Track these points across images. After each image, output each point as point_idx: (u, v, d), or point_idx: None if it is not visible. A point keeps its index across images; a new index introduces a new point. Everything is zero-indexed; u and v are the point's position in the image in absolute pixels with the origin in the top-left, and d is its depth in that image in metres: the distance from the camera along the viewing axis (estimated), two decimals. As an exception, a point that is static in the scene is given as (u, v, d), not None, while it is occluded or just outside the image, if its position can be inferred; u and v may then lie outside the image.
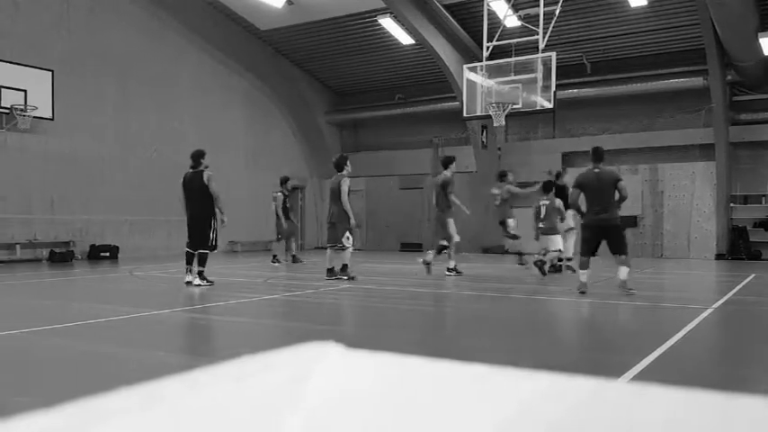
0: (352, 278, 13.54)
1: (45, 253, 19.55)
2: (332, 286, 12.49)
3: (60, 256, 19.33)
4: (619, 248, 10.86)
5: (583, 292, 10.99)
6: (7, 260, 18.58)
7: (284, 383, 0.70)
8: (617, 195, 10.80)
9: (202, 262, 12.41)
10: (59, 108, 19.64)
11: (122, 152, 21.81)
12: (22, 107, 18.48)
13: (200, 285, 12.14)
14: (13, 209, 19.02)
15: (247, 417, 0.63)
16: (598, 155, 11.06)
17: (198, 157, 12.56)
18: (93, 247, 20.63)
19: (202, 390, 0.66)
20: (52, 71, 19.39)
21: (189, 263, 12.54)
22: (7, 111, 18.36)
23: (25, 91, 18.57)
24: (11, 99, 18.36)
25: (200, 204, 12.38)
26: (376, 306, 10.18)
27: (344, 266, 13.66)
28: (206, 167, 12.48)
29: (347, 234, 13.62)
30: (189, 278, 12.42)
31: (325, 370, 0.74)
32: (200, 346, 6.92)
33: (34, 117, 18.77)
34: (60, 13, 20.27)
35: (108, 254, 20.77)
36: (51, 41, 19.98)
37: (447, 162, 15.07)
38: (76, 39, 20.67)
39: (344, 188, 13.48)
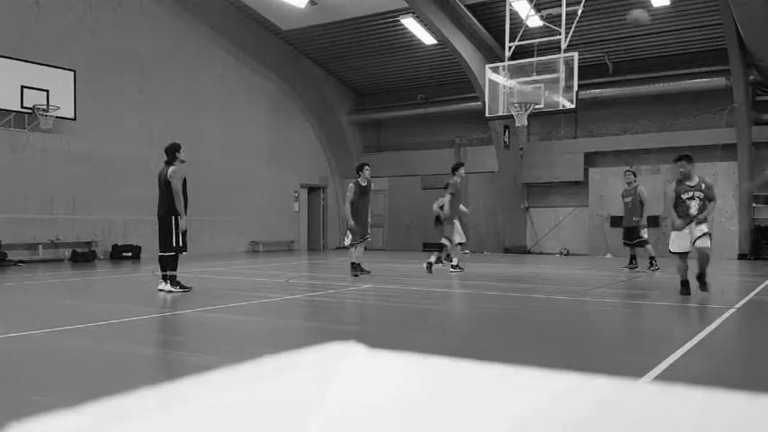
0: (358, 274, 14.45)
1: (67, 253, 19.64)
2: (353, 286, 12.51)
3: (82, 256, 19.41)
4: None
5: None
6: (29, 260, 18.67)
7: (307, 383, 0.70)
8: None
9: (172, 266, 11.43)
10: (81, 108, 19.76)
11: (144, 152, 21.83)
12: (45, 107, 18.55)
13: (171, 292, 11.16)
14: (35, 209, 19.14)
15: (270, 417, 0.63)
16: None
17: (171, 150, 11.44)
18: (115, 247, 20.70)
19: (224, 390, 0.66)
20: (74, 71, 19.50)
21: (163, 268, 11.53)
22: (30, 111, 18.44)
23: (47, 91, 18.64)
24: (33, 99, 18.45)
25: (164, 202, 11.50)
26: (397, 306, 10.17)
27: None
28: (181, 162, 11.44)
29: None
30: (162, 285, 11.39)
31: (348, 370, 0.74)
32: (221, 345, 6.93)
33: (56, 117, 18.86)
34: (83, 12, 20.39)
35: (130, 254, 20.80)
36: (74, 41, 20.10)
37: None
38: (99, 39, 20.78)
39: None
